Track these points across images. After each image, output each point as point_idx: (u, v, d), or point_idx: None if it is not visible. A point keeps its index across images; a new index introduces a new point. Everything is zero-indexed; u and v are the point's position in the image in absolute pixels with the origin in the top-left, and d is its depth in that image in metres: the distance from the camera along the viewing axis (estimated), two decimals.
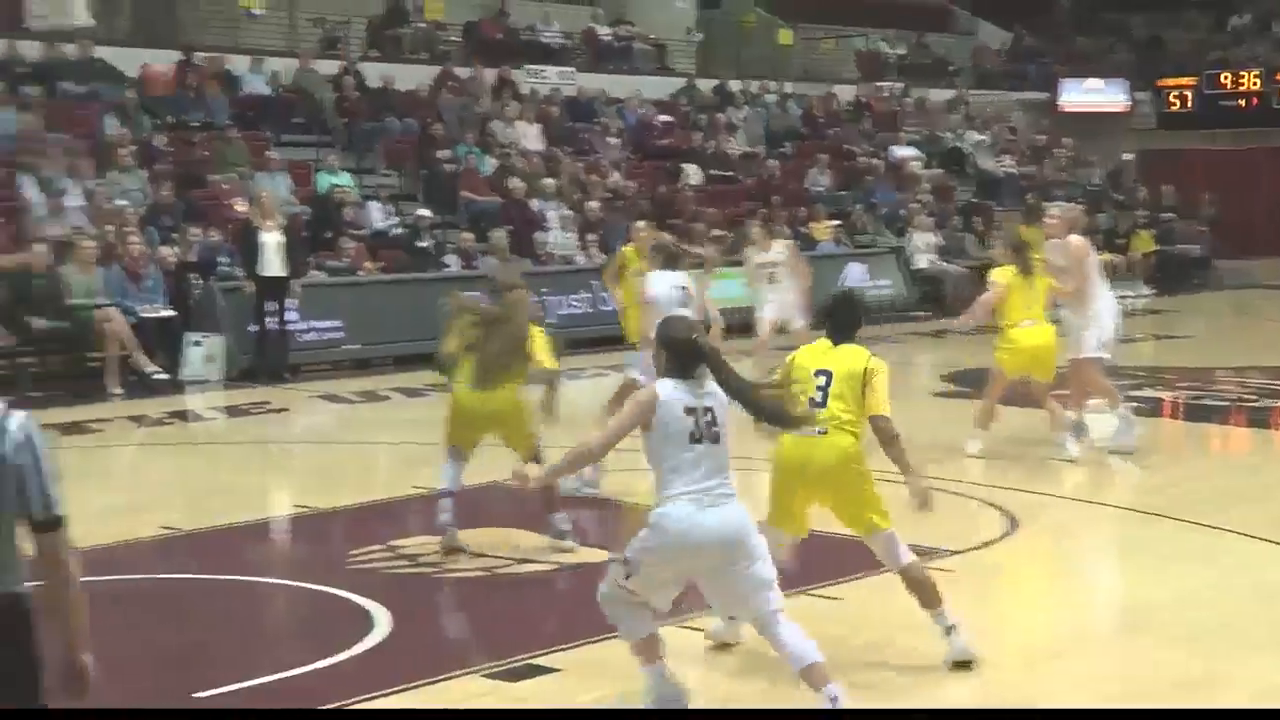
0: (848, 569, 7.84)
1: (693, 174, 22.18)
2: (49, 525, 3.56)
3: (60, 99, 17.95)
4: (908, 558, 6.35)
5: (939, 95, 29.17)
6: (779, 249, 13.63)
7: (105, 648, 6.83)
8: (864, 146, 25.50)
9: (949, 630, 6.19)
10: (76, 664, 3.69)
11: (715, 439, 5.37)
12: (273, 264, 14.52)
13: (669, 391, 5.39)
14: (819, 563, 7.85)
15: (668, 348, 5.55)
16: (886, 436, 6.27)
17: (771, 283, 13.43)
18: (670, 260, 9.77)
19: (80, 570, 3.65)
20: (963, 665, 6.16)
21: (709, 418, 5.38)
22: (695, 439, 5.32)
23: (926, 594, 6.28)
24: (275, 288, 14.58)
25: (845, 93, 27.96)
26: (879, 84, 28.74)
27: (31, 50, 18.33)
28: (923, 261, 21.77)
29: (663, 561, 5.40)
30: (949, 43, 32.62)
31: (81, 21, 18.92)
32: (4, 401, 3.62)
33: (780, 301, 13.26)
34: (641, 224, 11.10)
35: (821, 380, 6.23)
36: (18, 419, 3.55)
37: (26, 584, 3.61)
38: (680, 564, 5.42)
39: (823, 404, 6.19)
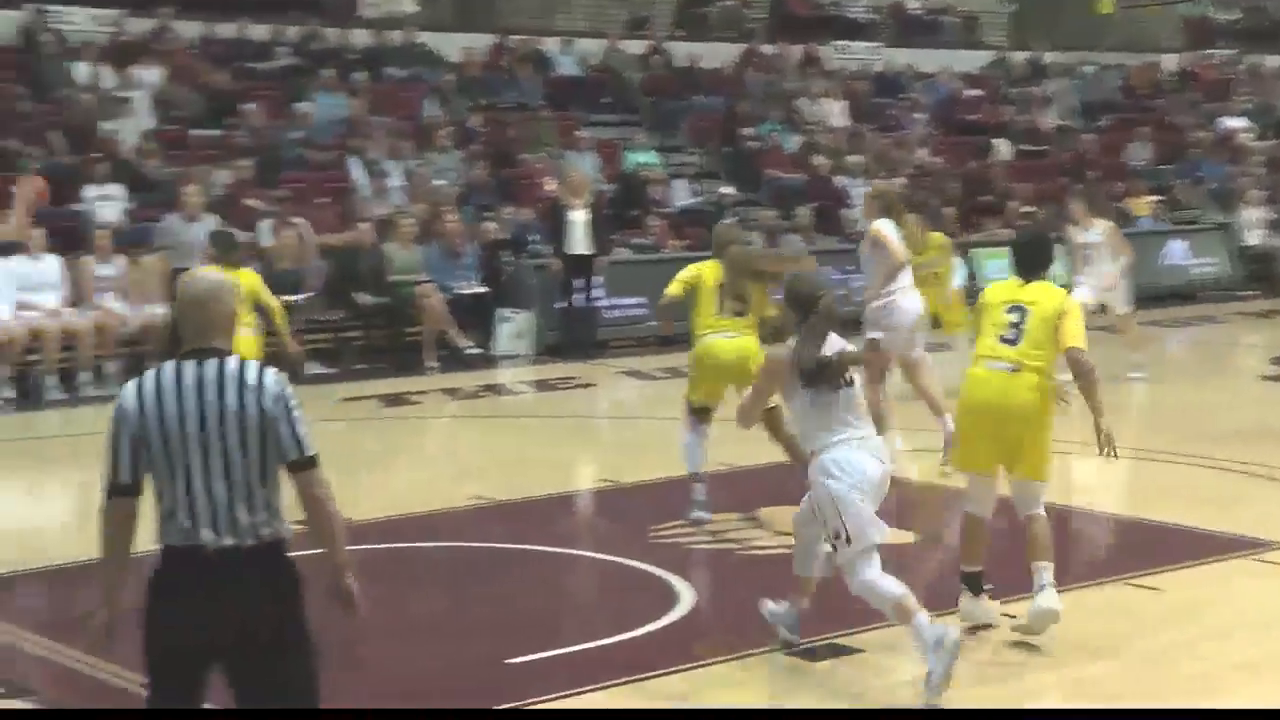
0: (1168, 557, 7.47)
1: (1003, 149, 21.53)
2: (304, 465, 4.02)
3: (385, 83, 18.78)
4: (1042, 509, 6.24)
5: (1275, 61, 27.41)
6: (1099, 228, 13.06)
7: (422, 609, 7.09)
8: (1189, 118, 24.21)
9: (1042, 587, 6.07)
10: (343, 587, 4.11)
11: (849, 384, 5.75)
12: (580, 242, 14.81)
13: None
14: (1138, 550, 7.51)
15: (794, 304, 5.87)
16: (1082, 370, 6.11)
17: (1087, 264, 12.94)
18: (887, 209, 9.68)
19: (336, 508, 4.07)
20: (1043, 619, 6.00)
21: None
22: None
23: (1040, 549, 6.15)
24: (582, 265, 14.87)
25: (1170, 62, 26.60)
26: (1207, 51, 27.21)
27: (361, 38, 19.23)
28: (1253, 238, 20.53)
29: (864, 499, 5.67)
30: None
31: (408, 8, 19.78)
32: (256, 362, 4.10)
33: (1096, 283, 12.73)
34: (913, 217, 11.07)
35: (1015, 317, 6.17)
36: (271, 376, 4.04)
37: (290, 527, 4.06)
38: (870, 503, 5.72)
39: (1015, 341, 6.14)
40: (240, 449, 3.96)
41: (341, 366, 14.06)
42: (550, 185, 16.77)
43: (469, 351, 14.41)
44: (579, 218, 14.80)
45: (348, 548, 4.11)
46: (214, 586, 3.93)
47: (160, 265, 13.15)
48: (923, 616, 5.54)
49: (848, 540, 5.63)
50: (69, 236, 13.55)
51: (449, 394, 13.10)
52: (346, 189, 16.18)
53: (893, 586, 5.62)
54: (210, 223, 13.01)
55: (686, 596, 6.93)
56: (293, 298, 13.67)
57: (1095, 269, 12.81)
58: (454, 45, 19.89)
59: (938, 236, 12.07)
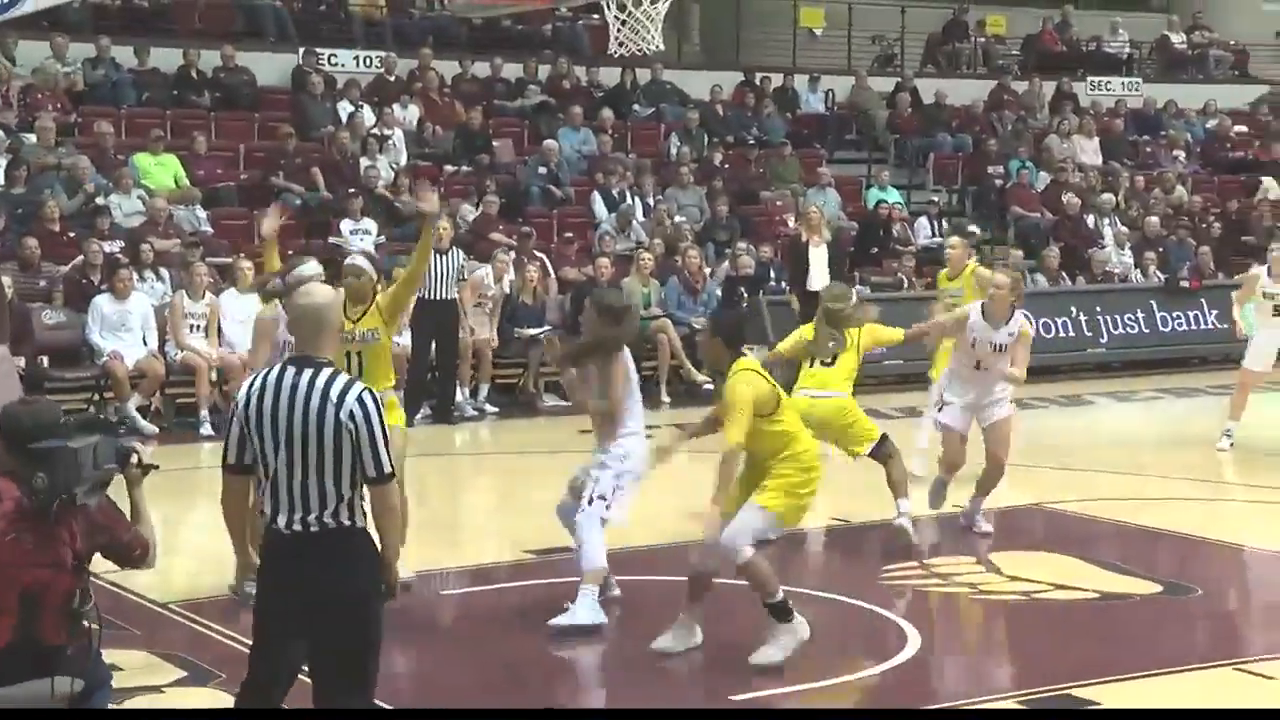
0: None
1: (1272, 188, 20.52)
2: (377, 480, 4.44)
3: (630, 120, 19.07)
4: None
5: None
6: None
7: (637, 649, 7.06)
8: None
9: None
10: (388, 580, 4.55)
11: None
12: (818, 279, 14.67)
13: None
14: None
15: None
16: None
17: (1275, 315, 11.41)
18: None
19: (405, 512, 4.69)
20: None
21: None
22: None
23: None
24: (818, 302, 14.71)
25: None
26: None
27: (608, 76, 19.59)
28: None
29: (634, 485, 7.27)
30: None
31: (655, 47, 20.01)
32: (348, 376, 4.50)
33: (1272, 340, 11.26)
34: (955, 239, 11.07)
35: None
36: (357, 394, 4.41)
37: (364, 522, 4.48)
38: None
39: None
40: (318, 455, 4.39)
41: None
42: (791, 222, 16.71)
43: (706, 387, 14.41)
44: (818, 255, 14.66)
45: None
46: (288, 564, 4.43)
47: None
48: (593, 590, 6.70)
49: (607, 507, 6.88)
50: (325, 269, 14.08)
51: (680, 428, 13.07)
52: (589, 224, 16.45)
53: (603, 557, 6.86)
54: (458, 256, 13.35)
55: (914, 639, 6.77)
56: (532, 331, 13.97)
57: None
58: (700, 83, 20.07)
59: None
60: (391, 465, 4.47)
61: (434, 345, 13.04)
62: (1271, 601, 7.25)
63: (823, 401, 8.32)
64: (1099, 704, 5.86)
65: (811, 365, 8.49)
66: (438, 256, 13.28)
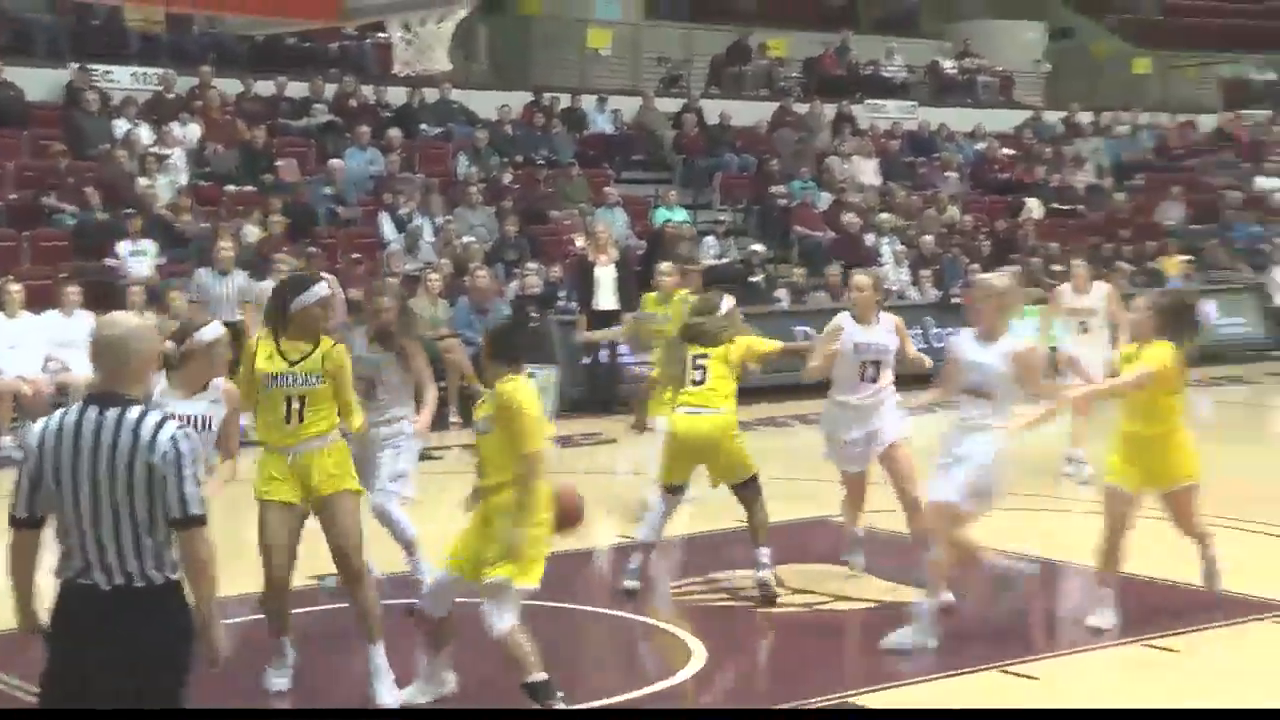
0: (1188, 620, 7.40)
1: (1034, 208, 21.51)
2: (186, 523, 4.09)
3: (418, 140, 18.98)
4: None
5: None
6: (1097, 294, 11.43)
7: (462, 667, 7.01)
8: (1224, 178, 24.14)
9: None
10: (207, 640, 4.19)
11: None
12: (607, 298, 14.86)
13: None
14: (1158, 612, 7.42)
15: None
16: None
17: (1083, 332, 11.32)
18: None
19: (214, 563, 4.15)
20: None
21: None
22: None
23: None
24: (607, 321, 14.90)
25: (1206, 122, 26.58)
26: (1243, 111, 27.17)
27: (395, 95, 19.46)
28: None
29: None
30: None
31: (442, 66, 19.91)
32: (159, 414, 4.14)
33: (1086, 356, 10.46)
34: (667, 265, 11.10)
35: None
36: (167, 432, 4.08)
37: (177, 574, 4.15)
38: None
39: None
40: (128, 500, 4.05)
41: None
42: (579, 241, 16.85)
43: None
44: (605, 274, 14.86)
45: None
46: (102, 624, 4.05)
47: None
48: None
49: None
50: (101, 292, 13.70)
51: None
52: (377, 244, 16.31)
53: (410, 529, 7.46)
54: (240, 277, 13.14)
55: (700, 654, 6.91)
56: None
57: (1088, 339, 11.08)
58: (488, 103, 20.08)
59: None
60: (202, 509, 4.13)
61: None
62: (1032, 607, 7.61)
63: (703, 419, 7.80)
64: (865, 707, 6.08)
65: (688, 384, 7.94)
66: (219, 278, 13.06)
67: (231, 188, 16.63)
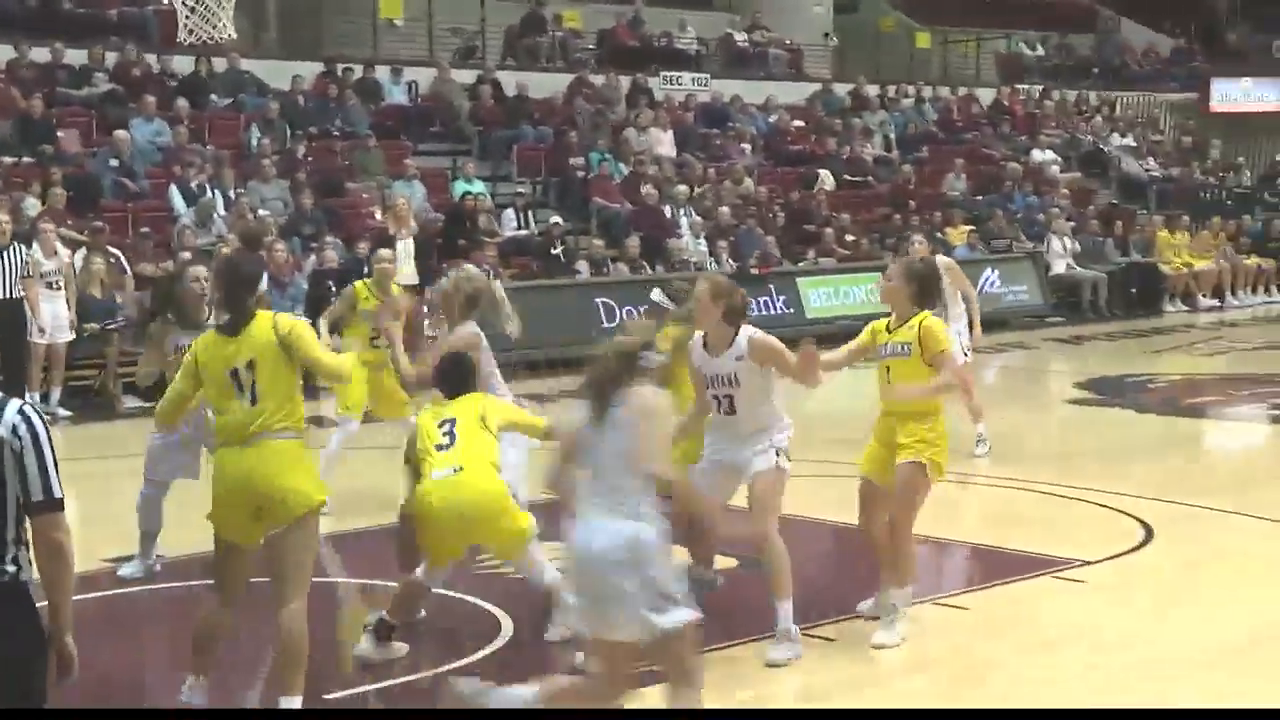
0: (975, 578, 7.75)
1: (826, 179, 22.06)
2: (45, 508, 3.84)
3: (207, 111, 18.50)
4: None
5: (1081, 97, 28.63)
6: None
7: (255, 640, 6.93)
8: (1002, 150, 25.13)
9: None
10: (63, 648, 3.90)
11: None
12: (405, 273, 14.75)
13: None
14: (946, 571, 7.75)
15: None
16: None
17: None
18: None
19: (72, 554, 3.91)
20: None
21: None
22: None
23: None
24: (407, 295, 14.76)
25: (985, 96, 27.58)
26: (1018, 86, 28.29)
27: (182, 65, 18.91)
28: (1060, 267, 21.38)
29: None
30: (1092, 43, 31.98)
31: (228, 35, 19.43)
32: (14, 402, 3.87)
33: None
34: (385, 252, 10.13)
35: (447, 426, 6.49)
36: (14, 406, 3.84)
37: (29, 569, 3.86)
38: None
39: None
40: None
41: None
42: (378, 214, 16.67)
43: None
44: (404, 247, 14.73)
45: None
46: None
47: None
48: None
49: None
50: None
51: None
52: (167, 218, 15.89)
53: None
54: (20, 251, 12.65)
55: (507, 626, 6.98)
56: (102, 326, 13.50)
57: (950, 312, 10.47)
58: (280, 73, 19.67)
59: None
60: (62, 492, 3.84)
61: None
62: (826, 568, 7.89)
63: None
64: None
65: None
66: None
67: (8, 159, 15.98)
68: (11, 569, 3.81)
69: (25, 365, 12.67)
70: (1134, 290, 22.02)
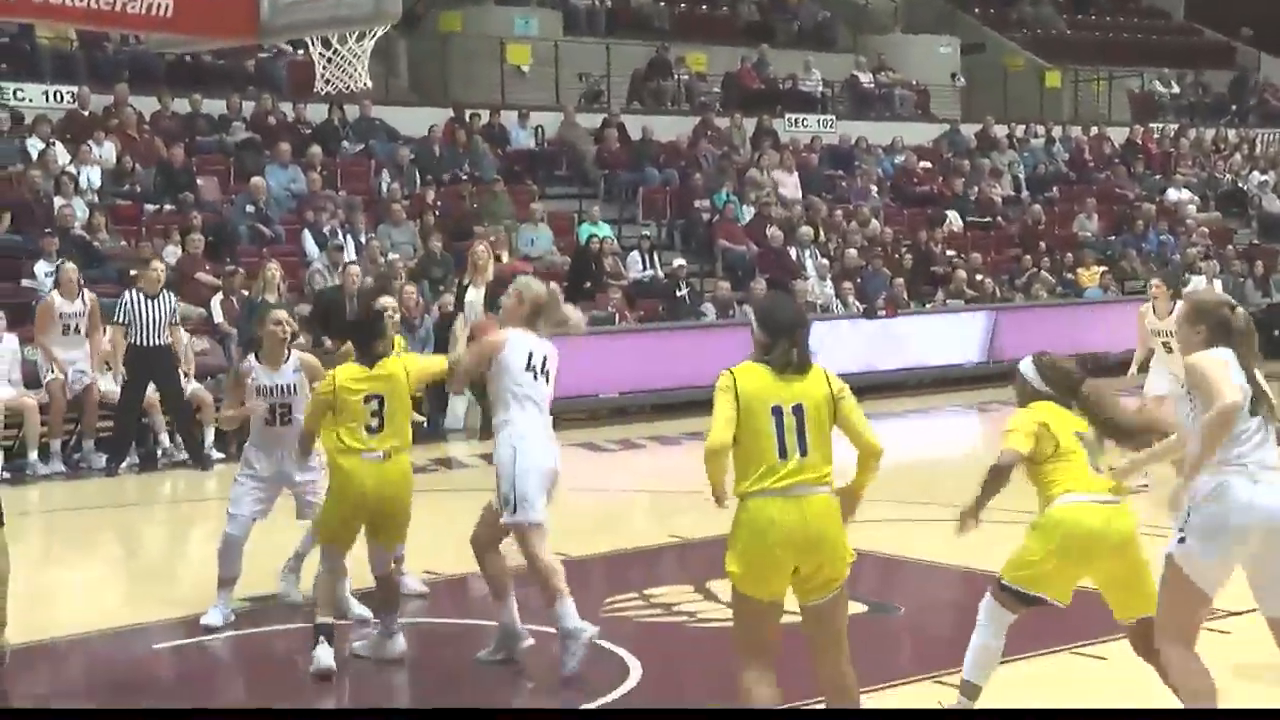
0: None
1: (954, 220, 21.80)
2: None
3: (339, 157, 18.86)
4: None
5: (1219, 135, 27.99)
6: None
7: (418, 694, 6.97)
8: (1136, 190, 24.63)
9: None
10: None
11: None
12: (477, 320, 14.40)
13: None
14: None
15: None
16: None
17: (1168, 353, 11.14)
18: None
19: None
20: None
21: None
22: None
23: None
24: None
25: (1117, 135, 27.09)
26: (1153, 124, 27.75)
27: (316, 113, 19.33)
28: None
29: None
30: (1230, 80, 31.27)
31: (363, 84, 19.83)
32: None
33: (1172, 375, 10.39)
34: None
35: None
36: None
37: None
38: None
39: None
40: None
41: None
42: (504, 257, 16.77)
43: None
44: (476, 296, 14.35)
45: None
46: None
47: (118, 339, 13.02)
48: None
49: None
50: (20, 313, 13.46)
51: None
52: (300, 263, 16.19)
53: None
54: (168, 298, 12.95)
55: (635, 669, 6.91)
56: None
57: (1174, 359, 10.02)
58: (409, 119, 20.01)
59: None
60: None
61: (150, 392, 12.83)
62: (964, 618, 7.70)
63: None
64: None
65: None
66: (148, 301, 12.85)
67: (150, 207, 16.43)
68: None
69: (182, 406, 13.04)
70: (1276, 332, 21.34)
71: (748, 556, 5.08)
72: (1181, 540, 5.28)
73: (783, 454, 5.07)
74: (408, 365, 7.24)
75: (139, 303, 12.74)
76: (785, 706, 5.56)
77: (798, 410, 5.11)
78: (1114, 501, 5.69)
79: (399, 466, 7.04)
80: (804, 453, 5.10)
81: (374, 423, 6.95)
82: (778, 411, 5.10)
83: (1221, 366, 5.29)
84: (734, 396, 5.13)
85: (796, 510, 5.06)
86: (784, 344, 5.21)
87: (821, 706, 5.54)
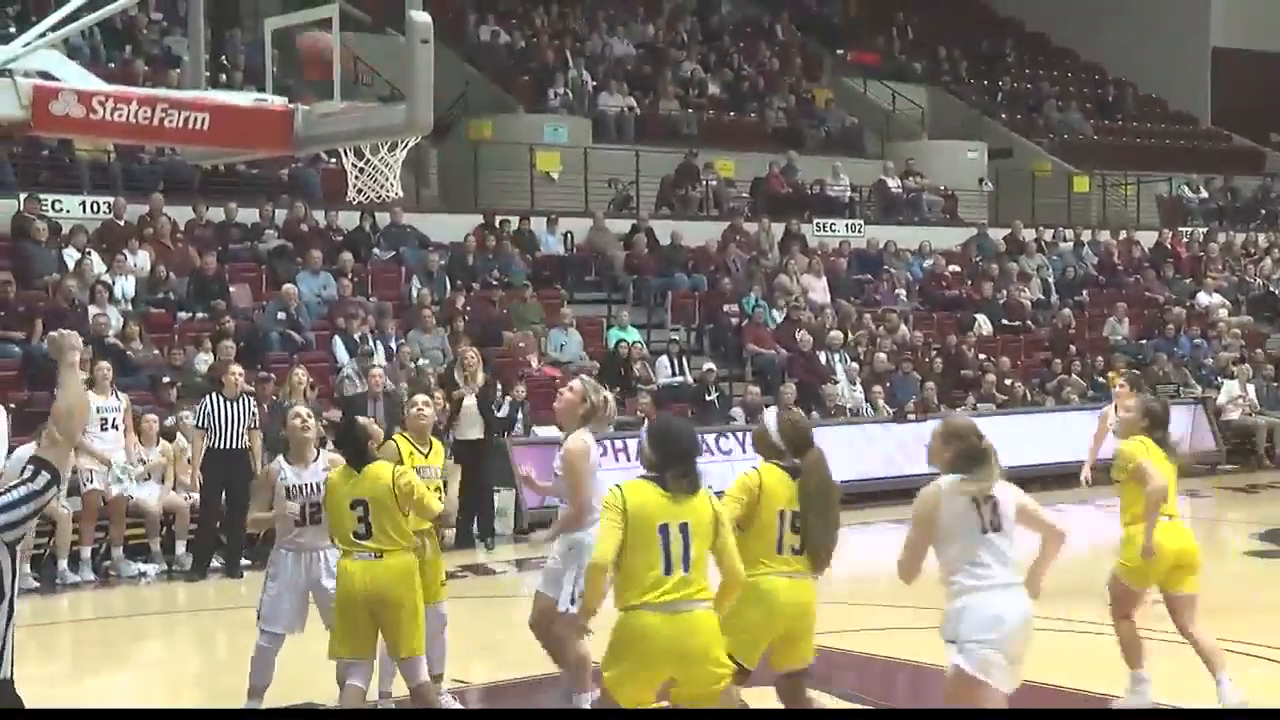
0: None
1: (983, 324, 21.78)
2: None
3: (371, 264, 19.03)
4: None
5: (1249, 239, 27.98)
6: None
7: None
8: (1166, 293, 24.59)
9: None
10: None
11: None
12: (470, 427, 14.12)
13: None
14: None
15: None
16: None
17: None
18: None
19: None
20: None
21: None
22: None
23: None
24: (474, 449, 13.84)
25: (1146, 239, 27.11)
26: (1181, 229, 27.76)
27: (348, 220, 19.53)
28: (1234, 413, 20.67)
29: None
30: (1259, 184, 31.32)
31: (395, 194, 20.08)
32: None
33: None
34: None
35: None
36: None
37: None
38: None
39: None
40: None
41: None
42: (534, 362, 16.84)
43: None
44: (470, 405, 14.25)
45: None
46: None
47: (198, 444, 13.06)
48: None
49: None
50: None
51: None
52: (330, 368, 16.26)
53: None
54: (249, 403, 12.98)
55: None
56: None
57: None
58: (440, 225, 20.20)
59: None
60: None
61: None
62: None
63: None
64: None
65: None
66: (227, 404, 12.90)
67: (184, 314, 16.58)
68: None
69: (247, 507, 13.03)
70: None
71: (624, 665, 5.34)
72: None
73: (668, 570, 5.31)
74: (399, 479, 7.09)
75: (220, 407, 12.81)
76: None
77: (684, 529, 5.34)
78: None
79: (394, 564, 7.00)
80: (687, 569, 5.34)
81: (360, 528, 7.02)
82: (664, 530, 5.32)
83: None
84: (621, 514, 5.36)
85: (676, 625, 5.30)
86: (676, 470, 5.43)
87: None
